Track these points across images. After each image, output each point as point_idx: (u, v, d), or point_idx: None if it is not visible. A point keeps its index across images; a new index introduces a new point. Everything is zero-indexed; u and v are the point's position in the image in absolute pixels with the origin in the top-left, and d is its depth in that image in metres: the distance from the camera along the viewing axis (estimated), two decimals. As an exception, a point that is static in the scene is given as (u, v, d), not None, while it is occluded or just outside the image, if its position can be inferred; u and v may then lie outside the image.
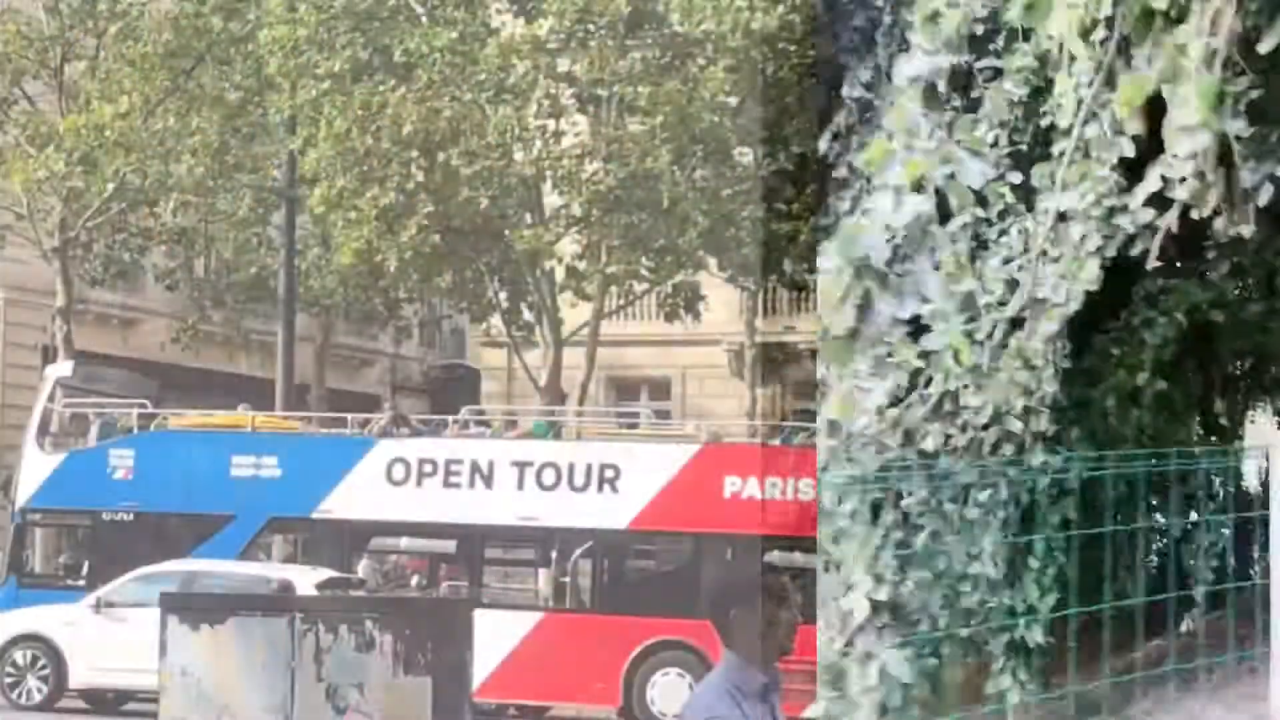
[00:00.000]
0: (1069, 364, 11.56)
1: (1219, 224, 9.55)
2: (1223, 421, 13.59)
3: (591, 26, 27.45)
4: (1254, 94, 8.96)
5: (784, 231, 27.26)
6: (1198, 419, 13.16)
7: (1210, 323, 12.32)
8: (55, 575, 25.18)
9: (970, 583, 11.34)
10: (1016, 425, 11.32)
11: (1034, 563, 11.57)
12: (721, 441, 24.63)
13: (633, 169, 26.50)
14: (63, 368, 26.88)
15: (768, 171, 28.30)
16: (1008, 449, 11.39)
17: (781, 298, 34.22)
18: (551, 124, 27.26)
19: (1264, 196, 9.34)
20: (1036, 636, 11.53)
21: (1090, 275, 10.90)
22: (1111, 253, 10.85)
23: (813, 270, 27.22)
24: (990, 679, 11.66)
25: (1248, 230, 9.48)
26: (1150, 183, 10.13)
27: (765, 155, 28.49)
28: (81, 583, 23.79)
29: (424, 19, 27.70)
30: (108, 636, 21.42)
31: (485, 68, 26.74)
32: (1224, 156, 9.22)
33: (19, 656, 22.09)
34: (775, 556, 21.37)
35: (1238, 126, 9.03)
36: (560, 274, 28.48)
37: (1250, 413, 14.38)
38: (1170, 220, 10.03)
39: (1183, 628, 12.47)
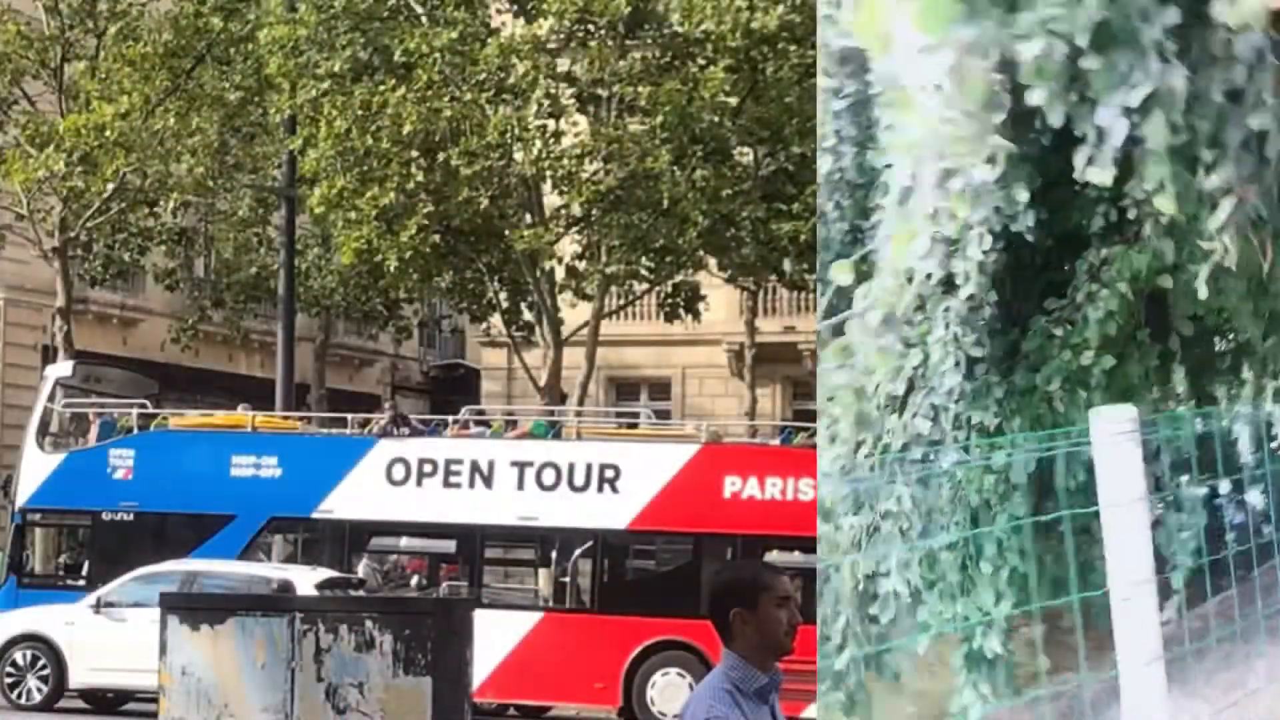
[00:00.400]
0: (981, 351, 10.82)
1: (1091, 175, 8.51)
2: (1192, 394, 12.84)
3: (591, 26, 27.46)
4: (1098, 16, 7.92)
5: (784, 231, 27.27)
6: (1156, 394, 11.90)
7: (1160, 290, 11.20)
8: (55, 575, 25.19)
9: (879, 604, 10.93)
10: (923, 426, 10.85)
11: (985, 566, 10.89)
12: (721, 441, 24.64)
13: (633, 169, 26.50)
14: (63, 368, 26.88)
15: (768, 171, 28.33)
16: (917, 450, 10.93)
17: (781, 298, 34.25)
18: (551, 124, 27.26)
19: (1118, 134, 8.22)
20: (995, 646, 10.86)
21: (921, 250, 9.99)
22: (950, 230, 9.92)
23: (812, 270, 27.24)
24: (954, 696, 11.24)
25: (1104, 175, 8.46)
26: (909, 130, 9.15)
27: (765, 155, 28.52)
28: (81, 583, 23.81)
29: (424, 19, 27.70)
30: (108, 636, 21.42)
31: (485, 68, 26.74)
32: (1080, 93, 8.41)
33: (19, 656, 22.09)
34: (775, 556, 21.39)
35: (969, 34, 7.97)
36: (560, 274, 28.49)
37: (1267, 380, 13.69)
38: (920, 168, 9.13)
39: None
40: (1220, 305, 10.97)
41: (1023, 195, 9.54)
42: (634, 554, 24.31)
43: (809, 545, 20.48)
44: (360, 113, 26.75)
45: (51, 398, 25.52)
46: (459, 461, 23.48)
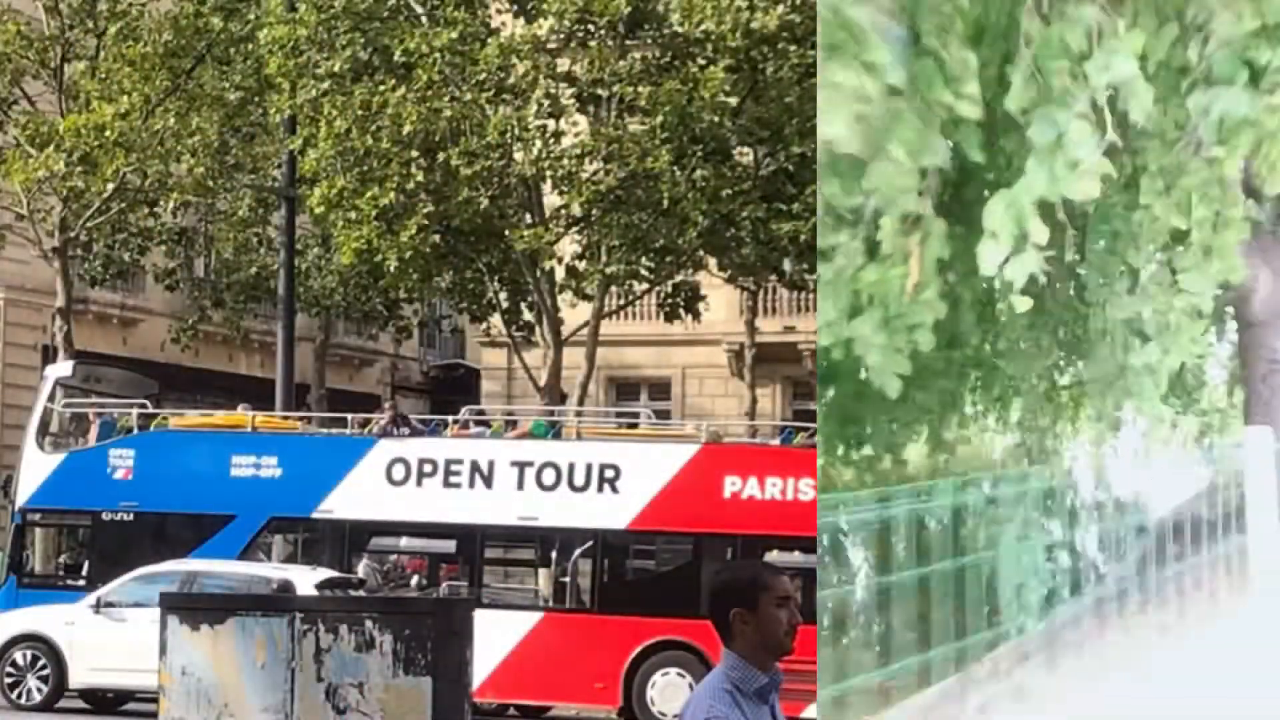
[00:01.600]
0: None
1: None
2: None
3: (591, 26, 27.46)
4: None
5: (784, 231, 27.26)
6: None
7: None
8: (55, 575, 25.18)
9: None
10: None
11: None
12: (721, 441, 24.63)
13: (633, 169, 26.50)
14: (63, 368, 26.88)
15: (768, 171, 28.33)
16: None
17: (781, 298, 34.25)
18: (551, 124, 27.26)
19: None
20: None
21: None
22: None
23: (812, 270, 27.23)
24: None
25: None
26: None
27: (765, 155, 28.51)
28: (81, 583, 23.81)
29: (424, 19, 27.70)
30: (108, 636, 21.41)
31: (485, 68, 26.74)
32: None
33: (19, 656, 22.09)
34: (775, 556, 21.39)
35: None
36: (560, 274, 28.49)
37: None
38: None
39: None
40: (850, 336, 9.23)
41: None
42: (634, 554, 24.30)
43: (809, 545, 20.50)
44: (360, 113, 26.75)
45: (51, 398, 25.52)
46: (459, 461, 23.47)
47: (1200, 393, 15.57)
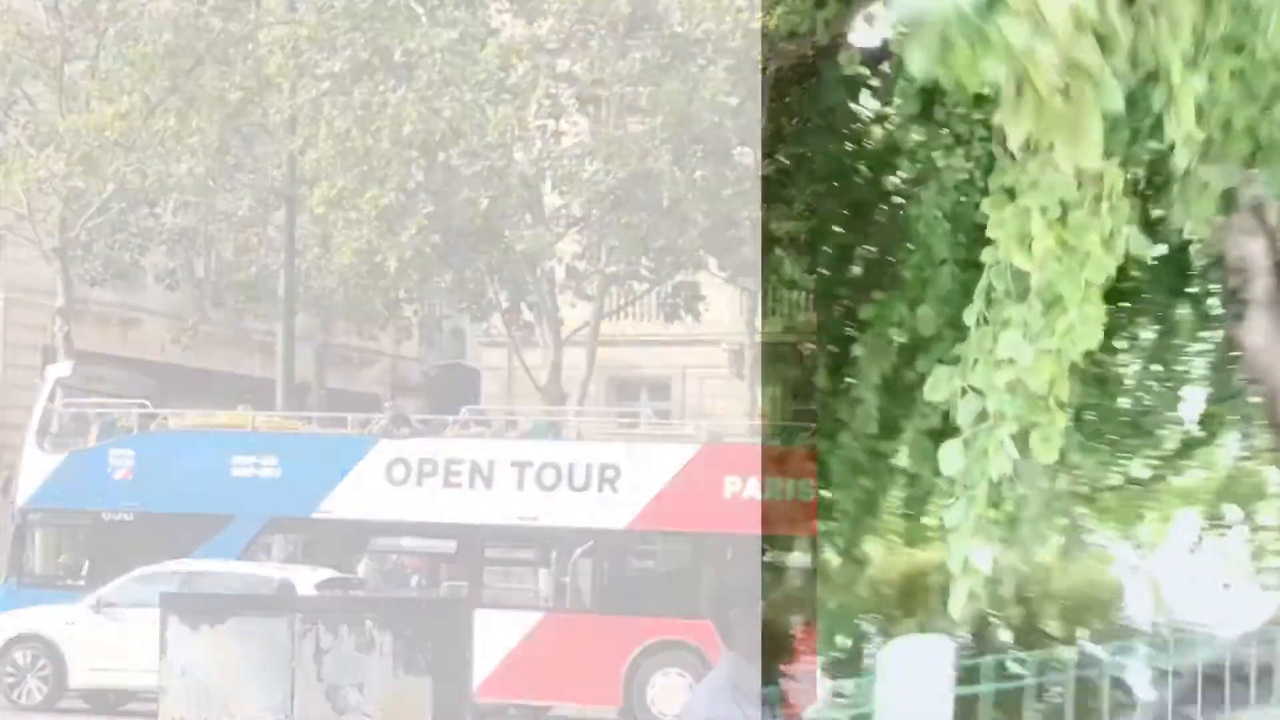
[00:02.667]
0: None
1: None
2: None
3: (591, 26, 27.46)
4: None
5: (784, 231, 27.24)
6: None
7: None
8: (55, 575, 25.18)
9: None
10: None
11: None
12: (721, 441, 24.63)
13: (633, 169, 26.50)
14: (63, 368, 26.88)
15: (768, 171, 28.32)
16: None
17: (781, 298, 34.22)
18: (551, 124, 27.27)
19: None
20: None
21: None
22: None
23: (812, 270, 27.21)
24: None
25: None
26: None
27: (765, 155, 28.50)
28: (81, 583, 23.80)
29: (424, 19, 27.68)
30: (108, 636, 21.41)
31: (485, 68, 26.74)
32: None
33: (19, 656, 22.10)
34: (775, 556, 21.38)
35: None
36: (560, 274, 28.49)
37: None
38: None
39: None
40: None
41: None
42: (634, 554, 24.31)
43: (809, 545, 20.48)
44: (360, 113, 26.76)
45: (51, 398, 25.51)
46: (459, 461, 23.47)
47: (1255, 505, 13.23)
